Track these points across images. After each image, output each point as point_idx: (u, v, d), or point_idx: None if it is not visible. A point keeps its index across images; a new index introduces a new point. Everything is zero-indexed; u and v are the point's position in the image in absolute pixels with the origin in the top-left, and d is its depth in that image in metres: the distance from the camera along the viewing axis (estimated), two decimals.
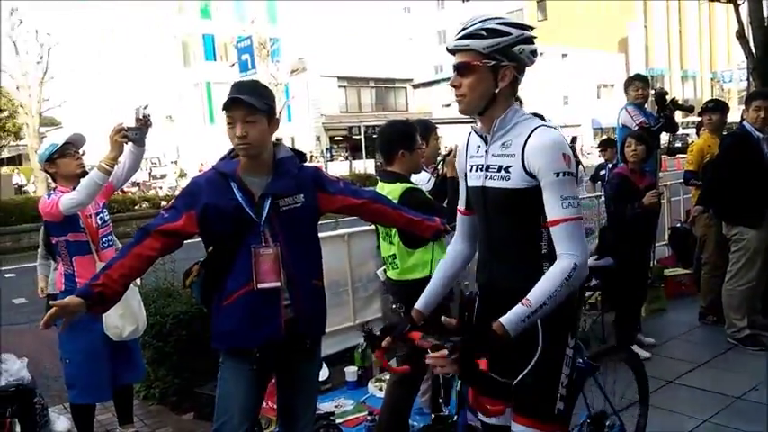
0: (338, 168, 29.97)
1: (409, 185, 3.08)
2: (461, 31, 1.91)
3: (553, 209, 1.81)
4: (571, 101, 41.86)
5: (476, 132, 2.03)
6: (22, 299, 7.91)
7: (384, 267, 3.33)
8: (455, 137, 4.47)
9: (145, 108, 3.35)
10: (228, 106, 2.25)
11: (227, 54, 36.53)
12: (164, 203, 17.36)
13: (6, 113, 35.34)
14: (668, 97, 5.39)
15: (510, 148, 1.90)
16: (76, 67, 42.48)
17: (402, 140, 3.14)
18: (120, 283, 2.24)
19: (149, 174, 32.81)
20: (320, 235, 3.74)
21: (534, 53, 1.91)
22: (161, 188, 26.62)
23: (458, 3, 46.84)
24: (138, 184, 27.78)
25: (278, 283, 2.27)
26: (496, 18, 1.90)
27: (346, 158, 36.02)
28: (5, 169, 30.54)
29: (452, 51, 1.93)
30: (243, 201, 2.28)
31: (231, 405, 2.35)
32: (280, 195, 2.31)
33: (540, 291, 1.75)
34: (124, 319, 3.44)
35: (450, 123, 24.79)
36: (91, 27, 44.85)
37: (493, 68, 1.87)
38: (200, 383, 4.08)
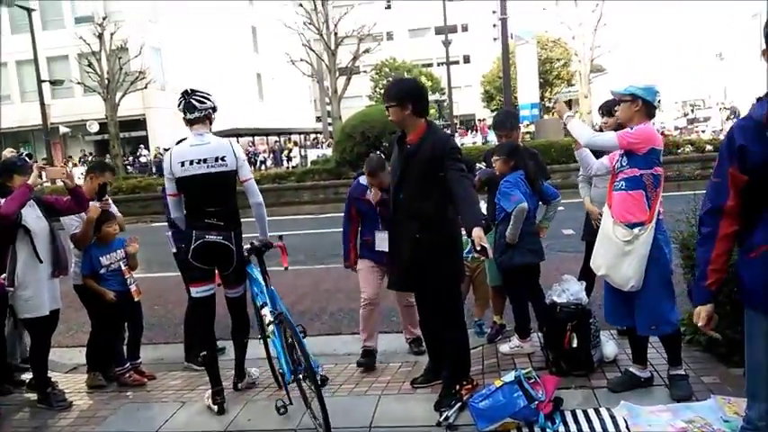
0: None
1: None
2: None
3: None
4: None
5: None
6: (569, 230, 8.77)
7: None
8: None
9: None
10: None
11: None
12: (708, 147, 16.39)
13: (562, 62, 38.98)
14: None
15: None
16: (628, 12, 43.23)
17: None
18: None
19: (687, 119, 31.31)
20: None
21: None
22: (703, 132, 25.14)
23: None
24: (679, 129, 26.97)
25: None
26: None
27: None
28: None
29: None
30: None
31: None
32: None
33: None
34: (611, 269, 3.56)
35: None
36: None
37: None
38: None
